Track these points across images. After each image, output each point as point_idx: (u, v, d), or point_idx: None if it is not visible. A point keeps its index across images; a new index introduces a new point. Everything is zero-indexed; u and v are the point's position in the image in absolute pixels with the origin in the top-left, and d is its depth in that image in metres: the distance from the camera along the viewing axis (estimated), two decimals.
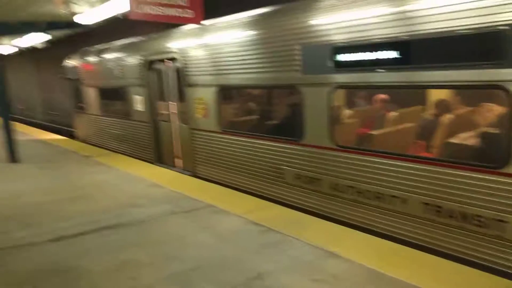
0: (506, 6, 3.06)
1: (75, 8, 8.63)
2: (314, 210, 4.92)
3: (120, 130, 9.41)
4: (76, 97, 11.58)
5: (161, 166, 7.86)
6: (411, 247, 3.76)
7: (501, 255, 3.36)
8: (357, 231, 4.18)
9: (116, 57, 9.06)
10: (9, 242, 4.23)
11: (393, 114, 5.20)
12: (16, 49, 19.03)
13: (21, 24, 10.18)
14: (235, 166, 6.13)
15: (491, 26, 3.16)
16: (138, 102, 8.36)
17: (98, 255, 3.82)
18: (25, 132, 14.05)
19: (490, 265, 3.44)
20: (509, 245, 3.29)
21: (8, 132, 8.74)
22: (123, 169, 7.53)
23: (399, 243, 3.85)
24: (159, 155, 8.19)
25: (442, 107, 4.79)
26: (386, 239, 3.98)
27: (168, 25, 7.08)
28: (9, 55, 23.48)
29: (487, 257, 3.45)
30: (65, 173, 7.40)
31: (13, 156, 8.64)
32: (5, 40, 15.75)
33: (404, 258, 3.52)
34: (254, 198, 5.44)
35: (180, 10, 6.40)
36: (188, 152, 7.17)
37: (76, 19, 9.45)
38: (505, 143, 3.22)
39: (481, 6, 3.21)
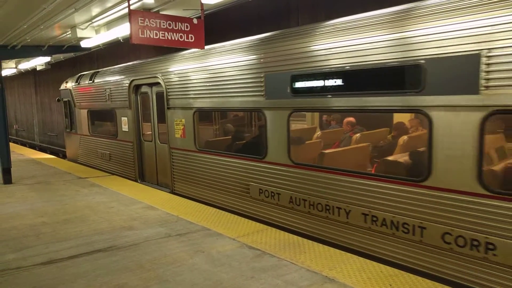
0: (424, 43, 3.67)
1: (80, 33, 8.83)
2: (275, 222, 5.34)
3: (107, 150, 9.88)
4: (68, 119, 12.23)
5: (144, 184, 8.29)
6: (409, 272, 3.72)
7: (423, 257, 3.84)
8: (354, 255, 4.14)
9: (105, 81, 9.65)
10: None
11: (342, 135, 5.86)
12: (15, 71, 19.24)
13: (26, 48, 10.37)
14: (209, 183, 6.56)
15: (413, 60, 3.75)
16: (124, 123, 8.87)
17: (89, 279, 3.74)
18: (20, 153, 14.00)
19: (414, 267, 3.89)
20: (430, 249, 3.78)
21: (5, 153, 8.72)
22: (118, 191, 7.48)
23: (397, 268, 3.81)
24: (142, 173, 8.67)
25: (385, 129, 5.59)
26: (383, 263, 3.94)
27: (171, 49, 7.25)
28: (7, 77, 23.72)
29: (412, 260, 3.92)
30: (59, 194, 7.33)
31: (6, 178, 8.58)
32: (10, 63, 15.99)
33: (401, 284, 3.47)
34: (249, 221, 5.40)
35: (182, 35, 6.55)
36: (167, 170, 7.61)
37: (80, 43, 9.67)
38: (427, 161, 3.75)
39: (404, 43, 3.82)
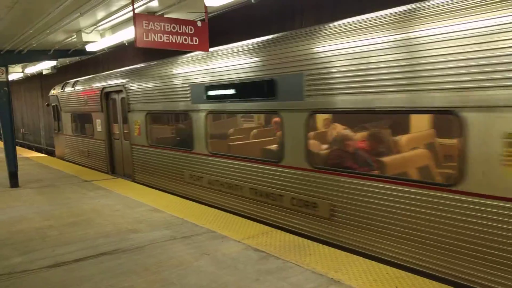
0: (276, 65, 5.16)
1: (85, 37, 8.91)
2: (200, 200, 6.76)
3: (86, 147, 11.51)
4: (56, 121, 13.88)
5: (114, 176, 9.71)
6: (414, 273, 3.68)
7: (282, 216, 5.29)
8: (360, 257, 4.11)
9: (83, 88, 11.31)
10: (4, 269, 4.16)
11: (244, 130, 7.50)
12: (21, 75, 19.41)
13: (32, 52, 10.49)
14: (158, 171, 8.08)
15: (271, 76, 5.22)
16: (98, 124, 10.42)
17: (95, 282, 3.76)
18: (26, 156, 14.12)
19: (275, 223, 5.30)
20: (286, 210, 5.21)
21: (11, 157, 8.79)
22: (124, 193, 7.51)
23: (403, 270, 3.78)
24: (113, 166, 10.18)
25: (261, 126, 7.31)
26: (389, 265, 3.91)
27: (174, 52, 7.29)
28: (14, 81, 23.93)
29: (277, 220, 5.33)
30: (65, 198, 7.38)
31: (13, 181, 8.65)
32: (17, 68, 16.15)
33: (407, 286, 3.44)
34: (254, 223, 5.40)
35: (186, 37, 6.56)
36: (130, 162, 9.15)
37: (86, 47, 9.75)
38: (281, 148, 5.23)
39: (267, 64, 5.28)
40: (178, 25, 6.46)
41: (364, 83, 4.12)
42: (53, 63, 13.95)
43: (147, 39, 6.24)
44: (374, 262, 3.99)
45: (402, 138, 4.87)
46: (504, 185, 3.15)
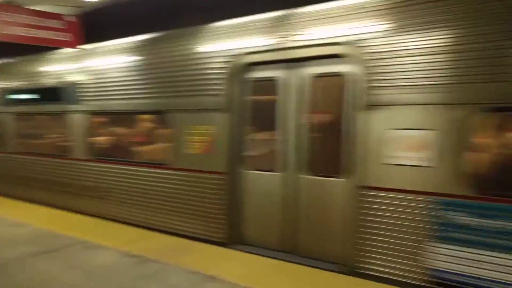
0: (60, 75, 6.38)
1: None
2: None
3: None
4: None
5: None
6: (296, 265, 4.01)
7: (74, 201, 6.27)
8: (237, 252, 4.30)
9: None
10: None
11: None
12: None
13: None
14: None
15: (57, 83, 6.41)
16: None
17: None
18: None
19: (67, 209, 6.24)
20: (80, 196, 6.19)
21: None
22: None
23: (280, 260, 4.07)
24: None
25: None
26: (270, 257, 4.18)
27: (47, 48, 6.61)
28: None
29: (70, 205, 6.28)
30: None
31: None
32: None
33: (283, 275, 3.73)
34: (132, 228, 5.22)
35: (55, 33, 6.02)
36: None
37: None
38: (71, 143, 6.25)
39: (52, 74, 6.45)
40: (44, 19, 5.89)
41: (108, 92, 5.58)
42: None
43: (5, 32, 5.54)
44: (250, 255, 4.21)
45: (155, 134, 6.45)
46: (188, 161, 4.79)
